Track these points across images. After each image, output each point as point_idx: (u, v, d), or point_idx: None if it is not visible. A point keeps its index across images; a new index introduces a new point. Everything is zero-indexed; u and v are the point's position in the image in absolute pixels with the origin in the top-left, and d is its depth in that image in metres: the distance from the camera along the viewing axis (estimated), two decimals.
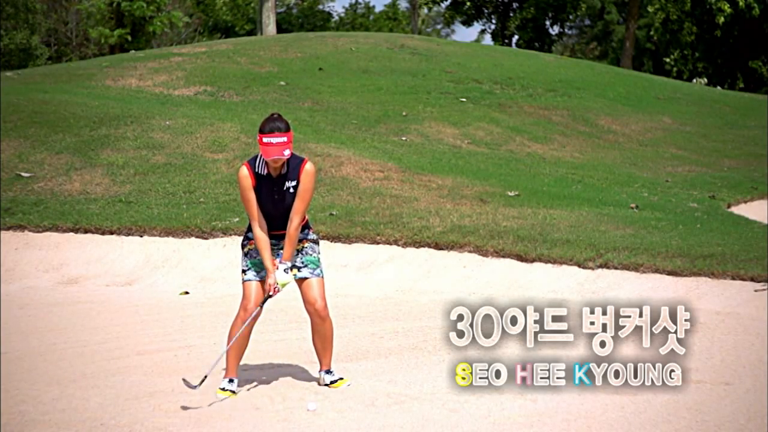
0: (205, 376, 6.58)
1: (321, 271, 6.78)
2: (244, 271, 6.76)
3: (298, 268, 6.74)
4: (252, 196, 6.60)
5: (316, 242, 6.82)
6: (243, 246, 6.81)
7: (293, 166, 6.61)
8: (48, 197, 13.00)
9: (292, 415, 6.27)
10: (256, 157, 6.65)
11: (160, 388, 6.80)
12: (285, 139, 6.48)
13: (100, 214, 12.40)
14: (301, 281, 6.76)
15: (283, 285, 6.62)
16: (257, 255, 6.71)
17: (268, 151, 6.47)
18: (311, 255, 6.77)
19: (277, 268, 6.61)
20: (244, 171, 6.63)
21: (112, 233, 12.00)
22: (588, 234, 11.54)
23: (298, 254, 6.75)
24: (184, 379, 6.66)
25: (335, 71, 22.30)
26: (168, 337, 8.58)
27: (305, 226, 6.78)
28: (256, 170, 6.62)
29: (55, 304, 10.28)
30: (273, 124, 6.50)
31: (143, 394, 6.62)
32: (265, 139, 6.46)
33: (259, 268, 6.72)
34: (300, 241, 6.75)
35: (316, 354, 6.92)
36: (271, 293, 6.62)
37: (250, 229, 6.75)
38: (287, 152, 6.49)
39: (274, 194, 6.59)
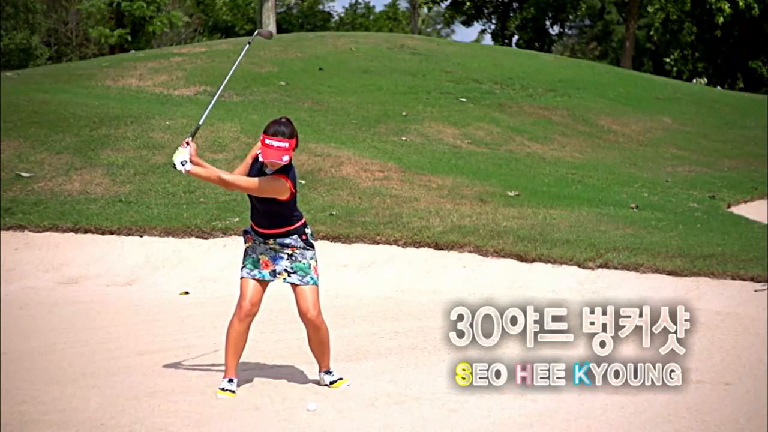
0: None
1: (312, 279, 6.70)
2: (241, 268, 6.78)
3: (288, 273, 6.71)
4: (247, 161, 6.68)
5: (306, 248, 6.70)
6: (244, 241, 6.83)
7: (279, 171, 6.55)
8: (48, 197, 12.99)
9: (292, 415, 6.27)
10: None
11: (160, 388, 6.80)
12: (286, 145, 6.42)
13: (100, 214, 12.39)
14: (292, 287, 6.75)
15: (172, 157, 6.56)
16: (253, 252, 6.72)
17: (266, 153, 6.44)
18: (301, 261, 6.69)
19: (187, 152, 6.50)
20: (260, 144, 6.60)
21: (112, 233, 11.99)
22: (588, 234, 11.54)
23: (288, 259, 6.71)
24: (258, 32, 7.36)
25: (335, 71, 22.29)
26: (168, 337, 8.58)
27: (295, 232, 6.67)
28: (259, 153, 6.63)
29: (55, 304, 10.27)
30: (278, 127, 6.46)
31: (143, 394, 6.62)
32: (266, 141, 6.43)
33: (254, 265, 6.72)
34: (288, 246, 6.70)
35: (314, 357, 6.93)
36: (184, 141, 6.56)
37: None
38: (286, 158, 6.43)
39: None
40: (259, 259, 6.71)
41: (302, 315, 6.73)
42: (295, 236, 6.67)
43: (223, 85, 7.17)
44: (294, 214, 6.67)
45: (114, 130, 15.45)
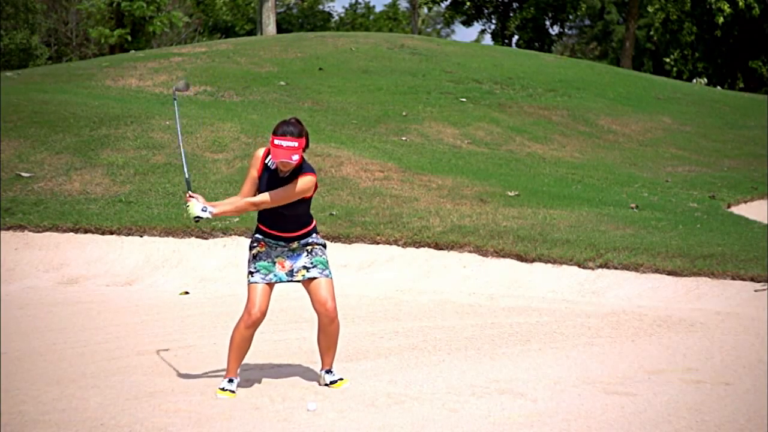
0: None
1: (330, 273, 6.76)
2: (251, 273, 6.68)
3: (307, 269, 6.71)
4: (252, 174, 6.63)
5: (324, 246, 6.81)
6: (251, 248, 6.74)
7: (297, 172, 6.56)
8: (48, 197, 12.99)
9: (292, 415, 6.26)
10: None
11: (160, 388, 6.79)
12: (296, 144, 6.43)
13: (100, 214, 12.39)
14: (309, 281, 6.73)
15: (189, 213, 6.54)
16: (266, 258, 6.67)
17: (276, 154, 6.44)
18: (321, 256, 6.73)
19: (198, 201, 6.54)
20: (259, 153, 6.62)
21: (112, 233, 11.99)
22: (588, 234, 11.54)
23: (307, 255, 6.72)
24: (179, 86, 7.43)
25: (335, 71, 22.30)
26: (168, 337, 8.58)
27: (314, 229, 6.75)
28: (267, 161, 6.61)
29: (55, 304, 10.27)
30: (286, 127, 6.47)
31: (143, 394, 6.62)
32: (276, 141, 6.44)
33: (267, 271, 6.66)
34: (309, 244, 6.72)
35: (319, 352, 6.90)
36: (188, 196, 6.58)
37: (257, 230, 6.73)
38: (296, 158, 6.43)
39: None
40: (275, 263, 6.68)
41: (320, 306, 6.70)
42: (314, 234, 6.77)
43: (180, 139, 7.28)
44: (310, 212, 6.73)
45: (114, 130, 15.45)
